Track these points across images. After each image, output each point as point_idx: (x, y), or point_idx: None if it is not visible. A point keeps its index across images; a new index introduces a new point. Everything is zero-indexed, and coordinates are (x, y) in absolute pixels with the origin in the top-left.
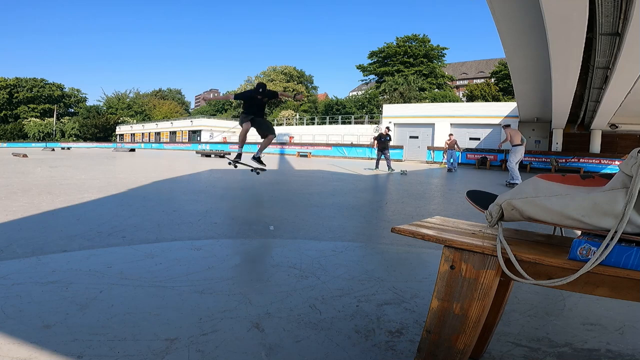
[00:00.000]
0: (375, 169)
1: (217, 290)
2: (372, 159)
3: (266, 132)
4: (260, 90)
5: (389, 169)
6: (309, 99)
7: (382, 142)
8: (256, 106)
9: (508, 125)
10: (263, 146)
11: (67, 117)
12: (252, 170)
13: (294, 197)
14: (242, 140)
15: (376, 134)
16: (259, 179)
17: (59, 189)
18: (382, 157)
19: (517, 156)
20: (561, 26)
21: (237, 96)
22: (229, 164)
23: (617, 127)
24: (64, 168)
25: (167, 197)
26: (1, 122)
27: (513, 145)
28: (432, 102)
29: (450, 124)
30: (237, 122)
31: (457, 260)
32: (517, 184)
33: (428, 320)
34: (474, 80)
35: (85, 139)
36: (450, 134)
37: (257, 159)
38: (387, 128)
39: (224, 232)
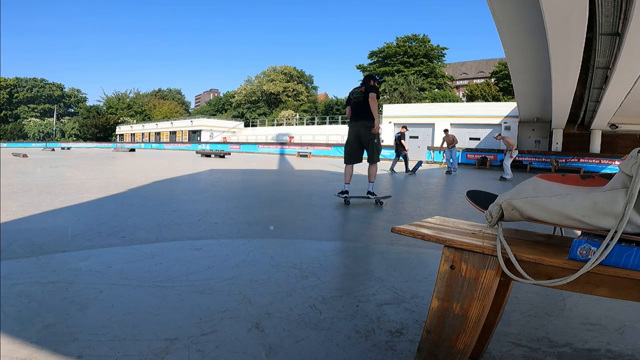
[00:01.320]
0: (412, 172)
1: (217, 290)
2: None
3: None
4: (364, 85)
5: (390, 169)
6: (309, 99)
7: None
8: (357, 110)
9: (508, 131)
10: (372, 176)
11: (67, 117)
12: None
13: (294, 197)
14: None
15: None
16: (258, 179)
17: (59, 189)
18: (400, 158)
19: (513, 157)
20: (561, 26)
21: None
22: (379, 203)
23: (617, 127)
24: (64, 168)
25: (167, 197)
26: (1, 122)
27: (514, 149)
28: (432, 102)
29: (450, 124)
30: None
31: (457, 260)
32: (507, 178)
33: (428, 320)
34: (474, 80)
35: (85, 139)
36: (446, 130)
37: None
38: (405, 127)
39: (224, 232)
